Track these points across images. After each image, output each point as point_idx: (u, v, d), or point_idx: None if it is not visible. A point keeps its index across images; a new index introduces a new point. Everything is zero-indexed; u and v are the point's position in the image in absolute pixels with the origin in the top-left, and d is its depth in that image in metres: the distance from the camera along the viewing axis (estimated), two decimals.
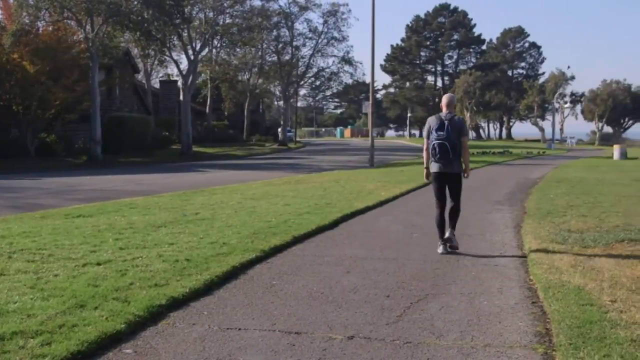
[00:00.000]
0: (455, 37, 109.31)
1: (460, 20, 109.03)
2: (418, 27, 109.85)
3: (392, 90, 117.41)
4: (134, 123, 43.72)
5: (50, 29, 38.00)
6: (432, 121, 8.74)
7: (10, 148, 34.63)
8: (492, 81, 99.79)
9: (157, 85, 65.49)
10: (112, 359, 4.78)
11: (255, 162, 38.88)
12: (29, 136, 35.75)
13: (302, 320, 5.65)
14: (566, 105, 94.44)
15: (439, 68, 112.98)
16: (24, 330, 5.01)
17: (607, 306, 5.75)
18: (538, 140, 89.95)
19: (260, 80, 70.53)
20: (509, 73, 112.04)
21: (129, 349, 4.96)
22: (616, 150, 42.67)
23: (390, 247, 9.20)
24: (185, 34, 46.87)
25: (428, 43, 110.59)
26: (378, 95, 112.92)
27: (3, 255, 7.96)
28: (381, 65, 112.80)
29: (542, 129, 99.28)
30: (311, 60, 67.04)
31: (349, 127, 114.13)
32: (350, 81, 72.59)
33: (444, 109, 8.80)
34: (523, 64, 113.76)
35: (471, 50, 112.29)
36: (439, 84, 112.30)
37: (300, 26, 70.30)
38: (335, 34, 65.55)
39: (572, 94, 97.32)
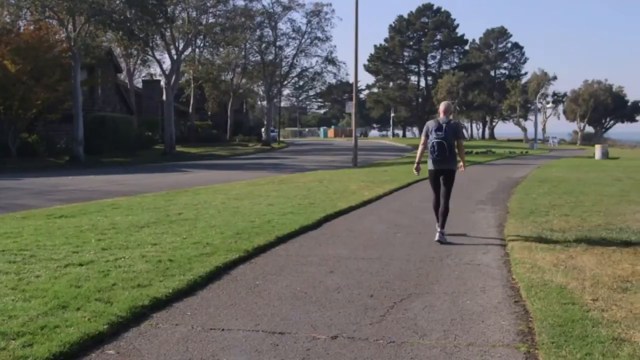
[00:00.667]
0: (439, 37, 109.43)
1: (443, 21, 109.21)
2: (401, 28, 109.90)
3: (375, 90, 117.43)
4: (117, 123, 43.48)
5: (32, 28, 37.61)
6: (430, 124, 9.73)
7: None
8: (475, 81, 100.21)
9: (139, 85, 65.10)
10: None
11: (239, 162, 38.79)
12: (11, 136, 35.42)
13: (286, 321, 5.64)
14: (548, 106, 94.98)
15: (422, 68, 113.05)
16: (5, 332, 4.98)
17: (589, 305, 5.79)
18: (521, 140, 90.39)
19: (243, 80, 70.44)
20: (492, 73, 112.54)
21: (112, 350, 4.94)
22: (598, 150, 43.00)
23: (374, 246, 9.22)
24: (168, 34, 46.68)
25: (411, 43, 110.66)
26: (361, 95, 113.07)
27: None
28: (364, 65, 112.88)
29: (524, 129, 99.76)
30: (295, 60, 67.08)
31: (333, 127, 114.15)
32: (333, 81, 72.58)
33: (442, 115, 9.70)
34: (506, 64, 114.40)
35: (454, 50, 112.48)
36: (422, 84, 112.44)
37: (283, 26, 70.42)
38: (319, 34, 65.62)
39: (554, 94, 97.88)
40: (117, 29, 38.47)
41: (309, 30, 65.37)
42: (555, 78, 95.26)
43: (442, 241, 9.43)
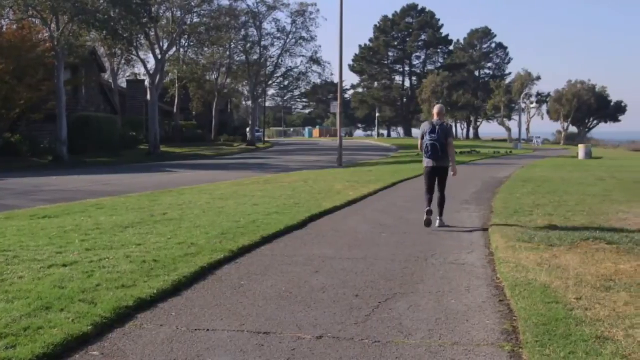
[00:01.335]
0: (423, 37, 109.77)
1: (428, 21, 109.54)
2: (386, 28, 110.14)
3: (360, 90, 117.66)
4: (101, 123, 43.24)
5: (15, 27, 37.36)
6: (425, 126, 11.07)
7: None
8: (460, 81, 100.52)
9: (124, 85, 64.85)
10: None
11: (224, 162, 38.71)
12: None
13: (271, 321, 5.64)
14: (532, 106, 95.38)
15: (406, 68, 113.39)
16: None
17: (573, 304, 5.83)
18: (505, 140, 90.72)
19: (228, 80, 70.34)
20: (476, 73, 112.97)
21: (96, 351, 4.91)
22: (581, 149, 43.25)
23: (359, 246, 9.22)
24: (152, 33, 46.55)
25: (396, 43, 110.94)
26: (346, 95, 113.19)
27: None
28: (349, 65, 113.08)
29: (508, 129, 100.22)
30: (279, 60, 67.09)
31: (318, 127, 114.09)
32: (318, 81, 72.68)
33: (435, 117, 11.04)
34: (490, 65, 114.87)
35: (439, 50, 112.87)
36: (407, 84, 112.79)
37: (268, 26, 70.31)
38: (304, 34, 65.70)
39: (538, 94, 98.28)
40: (101, 28, 38.20)
41: (294, 30, 65.53)
42: (539, 78, 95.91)
43: (442, 226, 10.96)
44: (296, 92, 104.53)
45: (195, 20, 51.74)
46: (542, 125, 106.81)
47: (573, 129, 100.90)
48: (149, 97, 47.83)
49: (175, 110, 62.05)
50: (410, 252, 8.73)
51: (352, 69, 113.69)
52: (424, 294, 6.54)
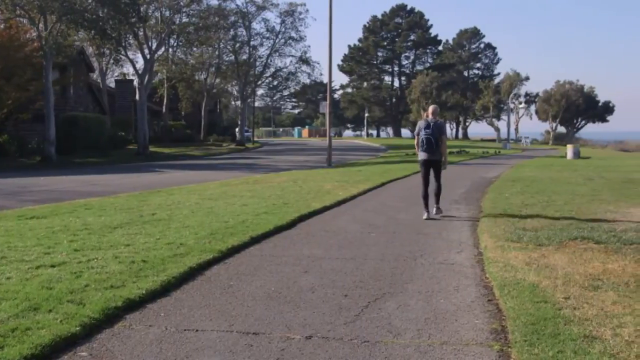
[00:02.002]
0: (412, 37, 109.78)
1: (417, 21, 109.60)
2: (375, 28, 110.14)
3: (349, 90, 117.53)
4: (89, 123, 43.05)
5: (2, 26, 37.21)
6: (421, 124, 12.25)
7: None
8: (449, 81, 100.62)
9: (112, 85, 64.63)
10: None
11: (213, 162, 38.65)
12: None
13: (260, 321, 5.63)
14: (521, 106, 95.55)
15: (396, 68, 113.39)
16: None
17: (561, 303, 5.85)
18: (494, 140, 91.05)
19: (217, 80, 70.22)
20: (465, 73, 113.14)
21: (84, 351, 4.89)
22: (569, 149, 43.41)
23: (348, 246, 9.23)
24: (141, 33, 46.38)
25: (385, 43, 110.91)
26: (335, 95, 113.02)
27: None
28: (338, 65, 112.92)
29: (497, 129, 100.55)
30: (269, 60, 67.09)
31: (307, 127, 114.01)
32: (307, 81, 72.64)
33: (430, 115, 12.16)
34: (479, 65, 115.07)
35: (428, 50, 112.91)
36: (396, 84, 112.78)
37: (257, 26, 70.58)
38: (293, 34, 65.65)
39: (527, 95, 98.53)
40: (89, 28, 38.06)
41: (283, 30, 65.47)
42: (527, 78, 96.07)
43: (440, 213, 12.29)
44: (285, 92, 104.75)
45: (184, 20, 51.56)
46: (531, 125, 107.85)
47: (561, 129, 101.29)
48: (137, 97, 47.65)
49: (164, 110, 61.89)
50: (400, 252, 8.74)
51: (341, 69, 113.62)
52: (413, 294, 6.55)
